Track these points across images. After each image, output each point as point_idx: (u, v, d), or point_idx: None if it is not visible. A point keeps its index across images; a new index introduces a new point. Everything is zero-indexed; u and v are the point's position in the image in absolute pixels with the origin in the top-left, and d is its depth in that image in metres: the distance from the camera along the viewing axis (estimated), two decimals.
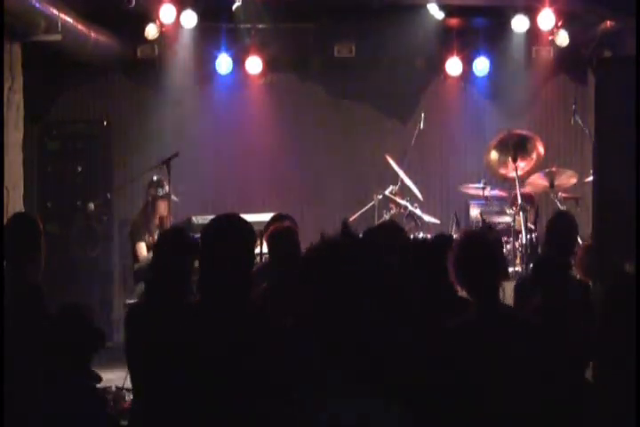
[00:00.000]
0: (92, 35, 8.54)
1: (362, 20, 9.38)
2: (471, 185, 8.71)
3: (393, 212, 8.43)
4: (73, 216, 9.13)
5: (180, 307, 3.81)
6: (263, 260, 6.54)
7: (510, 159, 8.33)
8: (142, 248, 7.83)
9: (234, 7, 8.70)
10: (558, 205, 7.95)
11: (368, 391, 2.70)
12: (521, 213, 7.80)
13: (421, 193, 8.65)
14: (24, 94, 7.94)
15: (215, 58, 9.63)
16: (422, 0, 8.75)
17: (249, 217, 3.66)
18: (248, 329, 3.20)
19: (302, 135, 9.98)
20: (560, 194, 8.18)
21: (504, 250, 7.62)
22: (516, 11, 9.03)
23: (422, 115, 8.98)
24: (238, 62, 9.69)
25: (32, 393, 3.99)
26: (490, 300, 3.64)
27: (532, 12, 8.86)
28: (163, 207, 8.14)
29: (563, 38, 9.01)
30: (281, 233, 5.30)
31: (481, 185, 8.50)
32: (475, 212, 9.10)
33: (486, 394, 3.45)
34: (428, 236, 7.65)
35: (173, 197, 8.14)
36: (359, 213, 8.66)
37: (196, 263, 3.50)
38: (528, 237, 7.64)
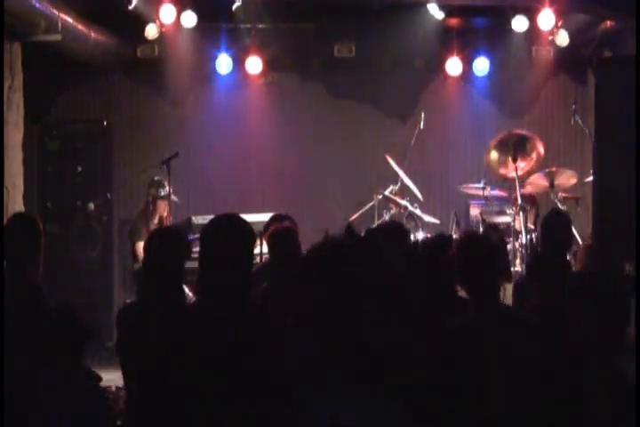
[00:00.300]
0: (92, 35, 8.54)
1: (362, 20, 9.38)
2: (471, 185, 8.72)
3: (393, 212, 8.43)
4: (73, 216, 9.13)
5: (174, 307, 3.81)
6: (263, 260, 6.55)
7: (510, 159, 8.32)
8: (142, 248, 7.83)
9: (234, 7, 8.70)
10: (558, 205, 7.94)
11: (368, 391, 2.70)
12: (521, 213, 7.81)
13: (421, 193, 8.65)
14: (24, 94, 7.94)
15: (215, 58, 9.63)
16: (422, 0, 8.74)
17: (249, 217, 3.66)
18: (248, 329, 3.20)
19: (302, 135, 9.98)
20: (560, 194, 8.18)
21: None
22: (515, 11, 9.02)
23: (422, 115, 8.98)
24: (238, 62, 9.69)
25: (32, 393, 3.99)
26: (490, 300, 3.64)
27: (531, 12, 8.85)
28: (162, 207, 8.15)
29: (563, 38, 9.00)
30: (281, 233, 5.30)
31: (481, 185, 8.50)
32: (475, 212, 9.10)
33: (486, 394, 3.45)
34: (428, 236, 7.67)
35: (173, 198, 8.15)
36: (359, 213, 8.66)
37: (191, 263, 3.50)
38: (528, 237, 7.65)
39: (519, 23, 9.06)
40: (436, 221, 8.58)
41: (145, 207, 8.31)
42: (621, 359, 3.53)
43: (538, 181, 8.17)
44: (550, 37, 9.11)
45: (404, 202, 8.39)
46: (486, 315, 3.62)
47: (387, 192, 8.48)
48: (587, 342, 3.66)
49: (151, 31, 8.99)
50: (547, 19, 8.76)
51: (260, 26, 9.41)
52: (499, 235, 7.52)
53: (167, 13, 8.81)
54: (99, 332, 4.34)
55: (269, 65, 9.77)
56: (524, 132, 8.55)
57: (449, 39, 9.59)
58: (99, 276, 9.18)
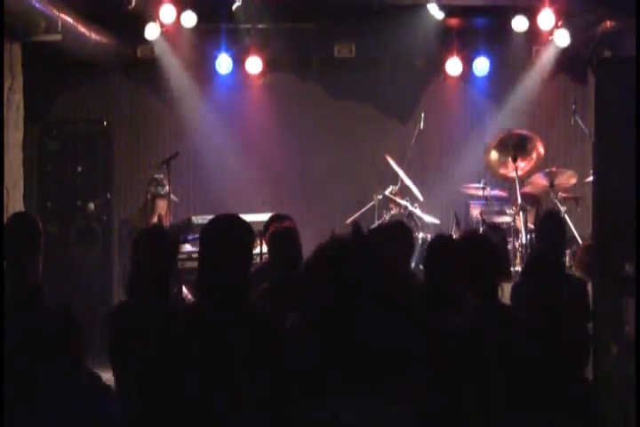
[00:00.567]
0: (92, 35, 8.53)
1: (362, 20, 9.37)
2: (471, 185, 8.72)
3: (393, 212, 8.43)
4: (73, 216, 9.12)
5: (160, 307, 3.81)
6: (263, 260, 6.54)
7: (510, 159, 8.33)
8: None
9: (234, 7, 8.70)
10: (558, 205, 7.95)
11: (368, 391, 2.70)
12: (521, 213, 7.81)
13: (421, 193, 8.65)
14: (24, 94, 7.93)
15: (215, 58, 9.63)
16: (422, 0, 8.74)
17: (249, 217, 3.66)
18: (248, 329, 3.20)
19: (302, 135, 9.97)
20: (560, 194, 8.17)
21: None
22: (516, 11, 9.02)
23: (422, 115, 8.99)
24: (238, 62, 9.69)
25: (32, 393, 3.99)
26: (490, 300, 3.65)
27: (531, 12, 8.85)
28: (162, 206, 8.15)
29: (563, 38, 9.01)
30: (281, 233, 5.29)
31: (481, 185, 8.51)
32: (475, 212, 9.10)
33: (486, 394, 3.45)
34: (429, 236, 7.68)
35: (173, 197, 8.15)
36: (359, 213, 8.66)
37: (191, 263, 3.50)
38: (528, 237, 7.65)
39: (519, 23, 9.06)
40: (436, 222, 8.58)
41: (144, 205, 8.31)
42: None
43: (538, 181, 8.17)
44: (550, 37, 9.11)
45: (404, 202, 8.39)
46: (486, 315, 3.62)
47: (387, 192, 8.49)
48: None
49: (151, 31, 9.00)
50: (547, 19, 8.77)
51: (260, 26, 9.41)
52: (500, 235, 7.53)
53: (167, 13, 8.82)
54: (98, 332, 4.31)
55: (269, 65, 9.77)
56: (523, 132, 8.55)
57: (449, 39, 9.59)
58: (99, 276, 9.17)
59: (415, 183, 8.65)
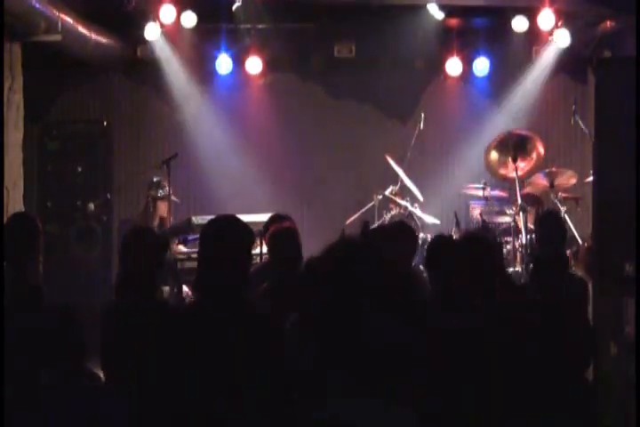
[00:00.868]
0: (92, 35, 8.53)
1: (362, 20, 9.37)
2: (471, 185, 8.72)
3: (393, 212, 8.43)
4: (73, 216, 9.13)
5: (149, 306, 3.82)
6: (263, 260, 6.54)
7: (510, 159, 8.33)
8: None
9: (234, 7, 8.70)
10: (558, 205, 7.95)
11: (368, 391, 2.70)
12: (521, 214, 7.81)
13: (421, 193, 8.64)
14: (24, 94, 7.93)
15: (215, 58, 9.63)
16: (422, 0, 8.74)
17: (249, 217, 3.66)
18: (248, 329, 3.20)
19: (302, 135, 9.97)
20: (560, 194, 8.17)
21: (504, 250, 7.62)
22: (516, 11, 9.02)
23: (422, 115, 8.99)
24: (238, 62, 9.69)
25: (32, 393, 3.99)
26: (490, 300, 3.65)
27: (531, 12, 8.85)
28: (163, 208, 8.15)
29: (563, 38, 9.01)
30: (281, 233, 5.29)
31: (481, 185, 8.51)
32: (475, 212, 9.10)
33: (486, 394, 3.45)
34: (429, 236, 7.68)
35: (173, 198, 8.14)
36: (359, 213, 8.66)
37: (191, 263, 3.51)
38: (528, 237, 7.65)
39: (519, 23, 9.06)
40: (437, 222, 8.58)
41: (144, 209, 8.31)
42: None
43: (538, 182, 8.17)
44: (550, 37, 9.11)
45: (404, 202, 8.39)
46: (486, 315, 3.62)
47: (387, 192, 8.48)
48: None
49: (151, 31, 9.00)
50: (547, 19, 8.77)
51: (260, 26, 9.41)
52: (491, 235, 7.52)
53: (167, 13, 8.82)
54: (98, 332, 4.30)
55: (269, 65, 9.77)
56: (523, 132, 8.54)
57: (449, 39, 9.59)
58: (99, 276, 9.17)
59: (415, 183, 8.64)
